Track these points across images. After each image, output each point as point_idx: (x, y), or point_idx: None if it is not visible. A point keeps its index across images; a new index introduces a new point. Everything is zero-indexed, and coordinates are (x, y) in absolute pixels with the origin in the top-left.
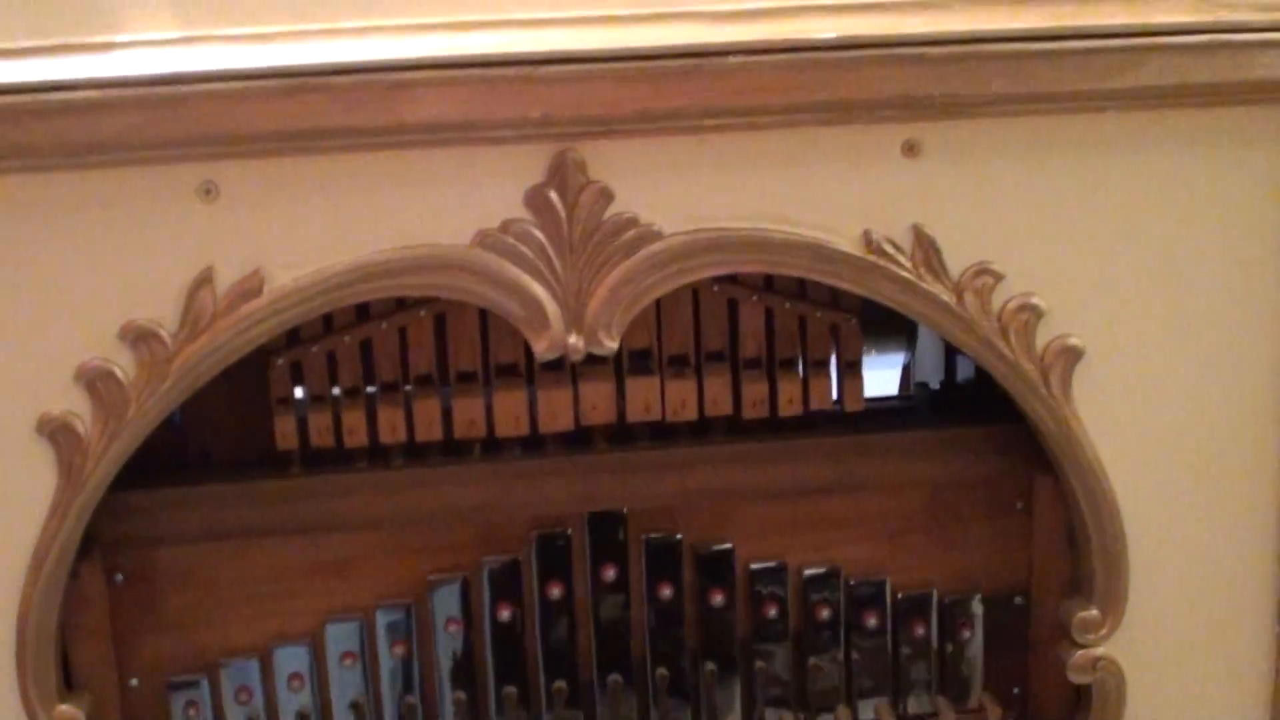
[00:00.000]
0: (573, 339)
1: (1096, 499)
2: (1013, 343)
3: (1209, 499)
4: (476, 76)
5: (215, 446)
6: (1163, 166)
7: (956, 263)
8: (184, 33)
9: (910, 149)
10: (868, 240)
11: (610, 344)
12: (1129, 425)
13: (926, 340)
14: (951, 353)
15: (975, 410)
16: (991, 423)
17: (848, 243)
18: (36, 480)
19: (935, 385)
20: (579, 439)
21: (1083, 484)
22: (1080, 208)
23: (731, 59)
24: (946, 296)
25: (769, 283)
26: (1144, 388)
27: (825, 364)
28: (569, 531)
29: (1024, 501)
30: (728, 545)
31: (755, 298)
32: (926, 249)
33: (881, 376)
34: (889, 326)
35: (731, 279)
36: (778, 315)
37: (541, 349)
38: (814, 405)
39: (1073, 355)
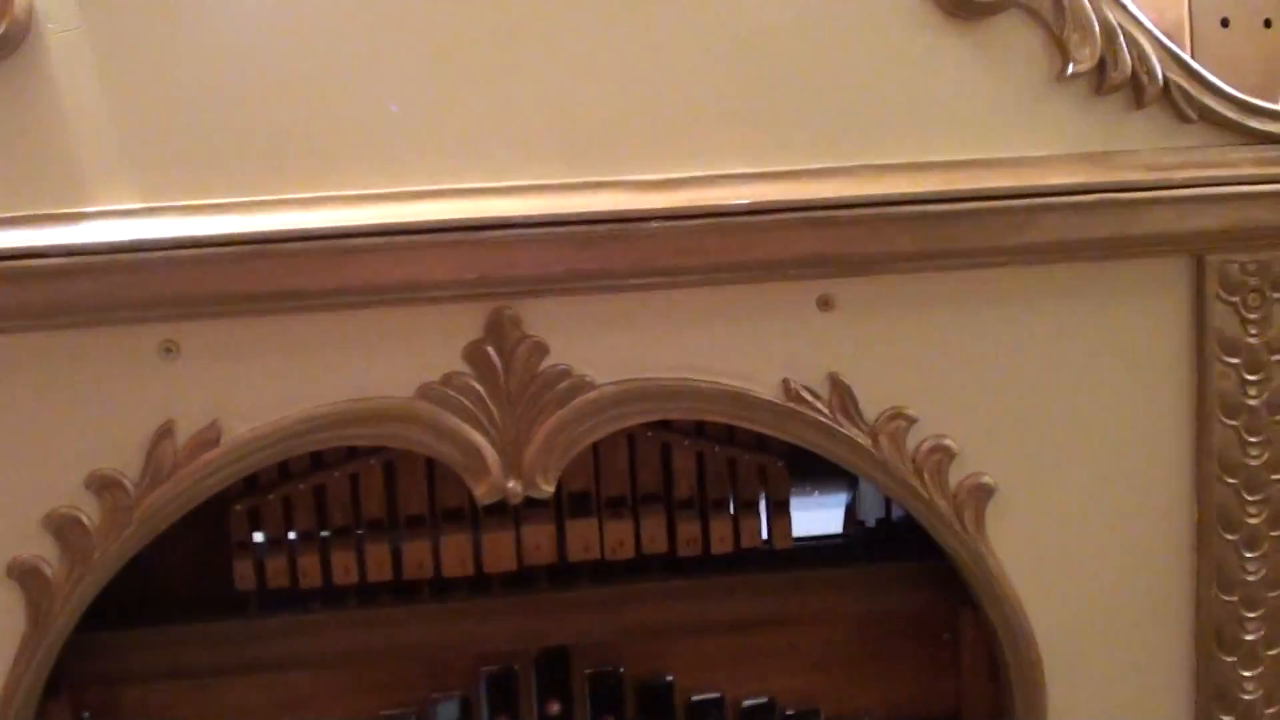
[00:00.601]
0: (511, 484)
1: (1013, 628)
2: (927, 482)
3: (1122, 626)
4: (417, 242)
5: (177, 588)
6: (1062, 314)
7: (871, 408)
8: (147, 204)
9: (824, 303)
10: (786, 388)
11: (547, 488)
12: (1041, 557)
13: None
14: None
15: (908, 547)
16: (920, 559)
17: (768, 391)
18: (5, 622)
19: (871, 523)
20: (523, 578)
21: (999, 614)
22: (987, 354)
23: (653, 224)
24: (863, 439)
25: (700, 428)
26: (1055, 521)
27: (755, 504)
28: (516, 668)
29: (950, 632)
30: (668, 679)
31: (687, 442)
32: (842, 395)
33: (827, 515)
34: (834, 468)
35: (664, 425)
36: (708, 459)
37: (481, 494)
38: (744, 544)
39: (985, 492)
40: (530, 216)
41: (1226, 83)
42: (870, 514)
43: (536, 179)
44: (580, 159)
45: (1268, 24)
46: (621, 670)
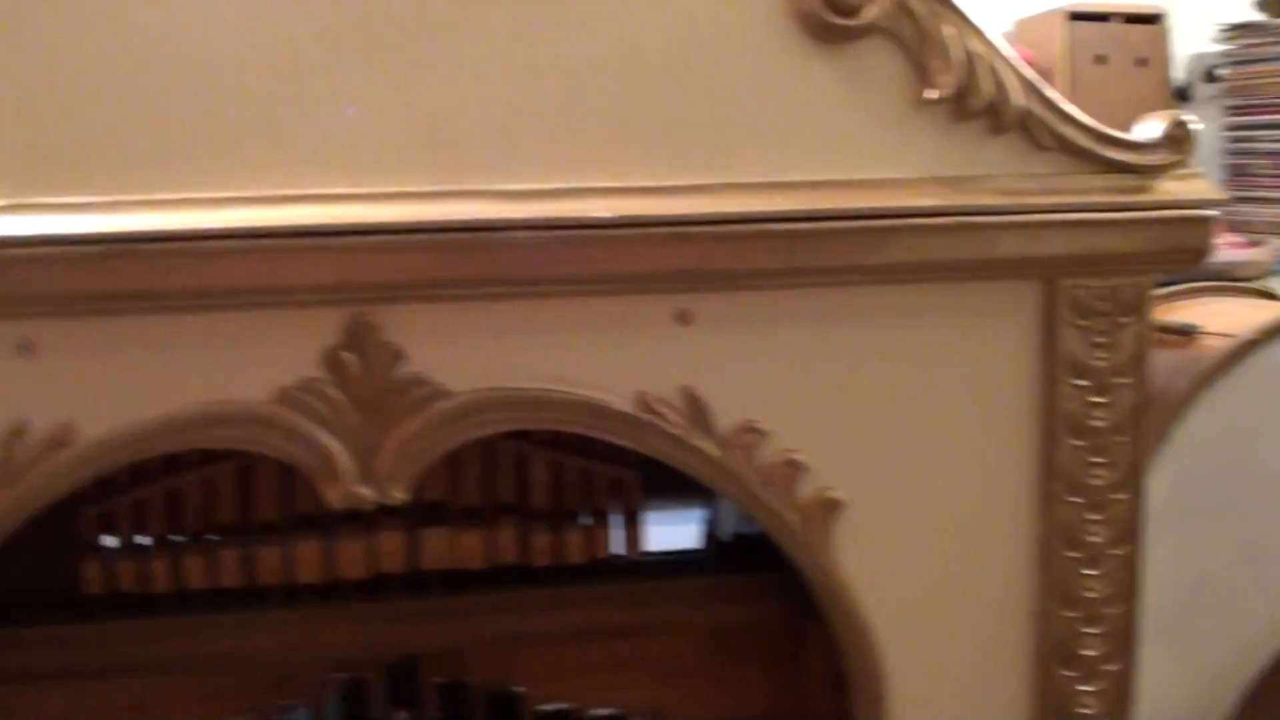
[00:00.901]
0: (363, 490)
1: (858, 641)
2: (776, 495)
3: (966, 640)
4: (278, 246)
5: (24, 590)
6: (916, 334)
7: (725, 421)
8: (8, 200)
9: (682, 317)
10: (641, 401)
11: (400, 495)
12: (888, 572)
13: None
14: None
15: (761, 560)
16: (770, 572)
17: (623, 402)
18: None
19: (727, 537)
20: (376, 586)
21: (845, 627)
22: (841, 371)
23: (515, 234)
24: (714, 452)
25: (556, 438)
26: (902, 537)
27: (609, 515)
28: (366, 676)
29: (796, 645)
30: (518, 689)
31: (543, 453)
32: (696, 408)
33: (687, 530)
34: (697, 483)
35: (521, 435)
36: (564, 469)
37: (334, 499)
38: (598, 554)
39: (833, 507)
40: (392, 223)
41: (1102, 117)
42: (729, 529)
43: (399, 186)
44: (444, 167)
45: (1143, 62)
46: (472, 680)
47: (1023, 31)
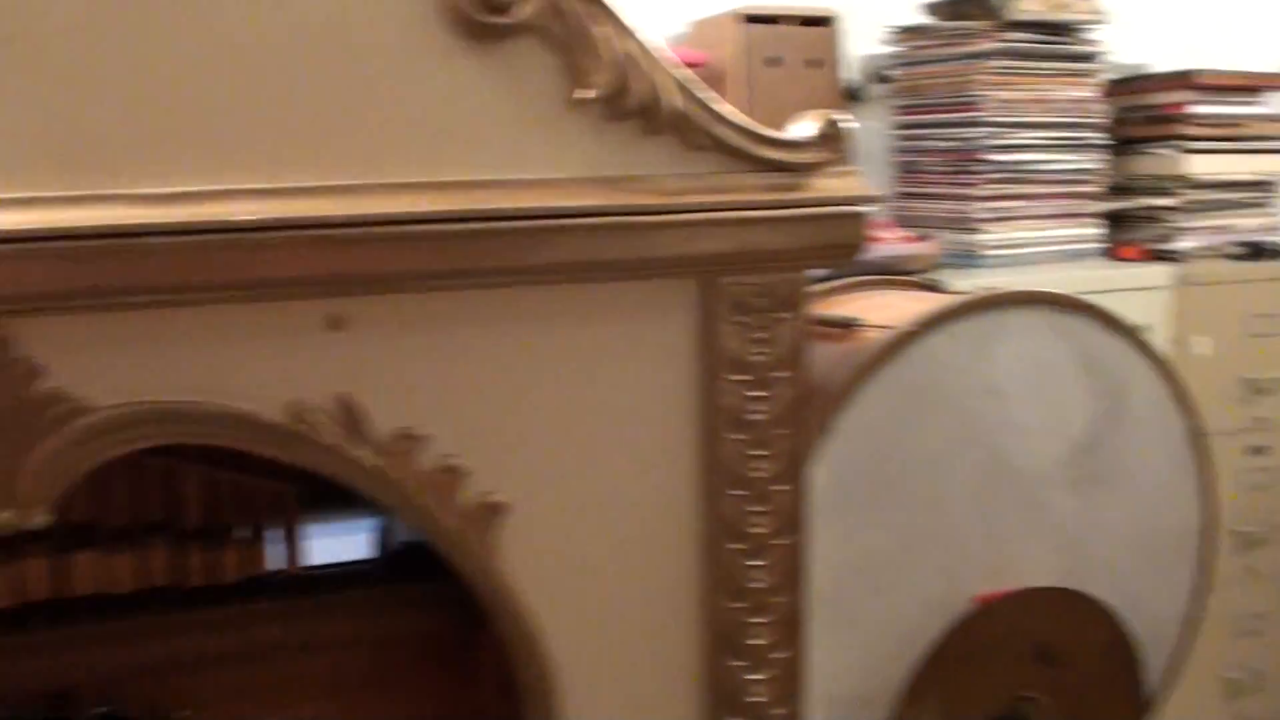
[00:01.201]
0: (2, 515)
1: (526, 643)
2: (437, 502)
3: (635, 636)
4: None
5: None
6: (576, 334)
7: (382, 428)
8: None
9: (335, 323)
10: (293, 410)
11: (41, 518)
12: (556, 573)
13: None
14: None
15: (432, 569)
16: (441, 580)
17: (274, 413)
18: None
19: (397, 547)
20: (22, 616)
21: (512, 630)
22: (502, 373)
23: (153, 240)
24: (370, 461)
25: (211, 452)
26: (569, 537)
27: (268, 530)
28: (18, 712)
29: (468, 652)
30: (181, 715)
31: (195, 468)
32: (351, 417)
33: (359, 540)
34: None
35: (172, 450)
36: (217, 484)
37: None
38: (258, 571)
39: (496, 511)
40: (19, 230)
41: (777, 117)
42: (401, 537)
43: (28, 190)
44: (77, 169)
45: (816, 64)
46: (129, 710)
47: (698, 33)
